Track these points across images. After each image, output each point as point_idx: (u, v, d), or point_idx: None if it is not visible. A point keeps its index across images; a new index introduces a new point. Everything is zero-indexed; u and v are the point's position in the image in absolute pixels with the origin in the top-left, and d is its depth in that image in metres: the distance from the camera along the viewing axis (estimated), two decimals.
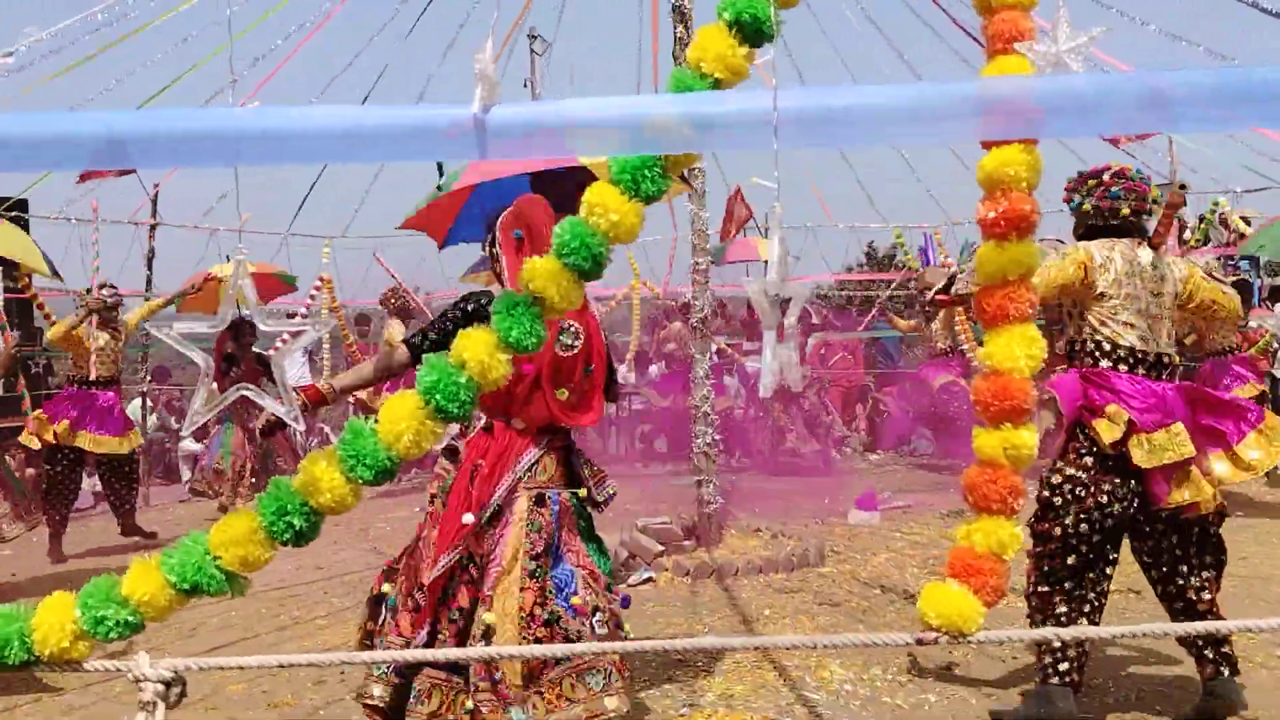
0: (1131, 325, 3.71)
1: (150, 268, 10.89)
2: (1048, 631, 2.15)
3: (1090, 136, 3.03)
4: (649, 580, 6.51)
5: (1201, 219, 12.25)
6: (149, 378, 12.70)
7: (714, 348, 11.68)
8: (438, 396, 2.02)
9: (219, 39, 9.93)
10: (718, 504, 7.02)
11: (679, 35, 6.96)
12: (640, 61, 20.88)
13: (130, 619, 2.01)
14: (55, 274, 9.18)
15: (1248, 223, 11.53)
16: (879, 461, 12.43)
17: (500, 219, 3.59)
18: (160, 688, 1.96)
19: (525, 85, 13.76)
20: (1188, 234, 12.20)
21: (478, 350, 2.02)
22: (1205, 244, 11.10)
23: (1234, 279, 9.96)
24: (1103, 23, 2.03)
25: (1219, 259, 11.28)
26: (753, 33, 2.00)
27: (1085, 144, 12.57)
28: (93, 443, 8.10)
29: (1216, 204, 12.19)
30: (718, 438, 7.40)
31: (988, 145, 2.23)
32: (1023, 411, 2.26)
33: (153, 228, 10.99)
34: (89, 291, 8.74)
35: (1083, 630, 3.13)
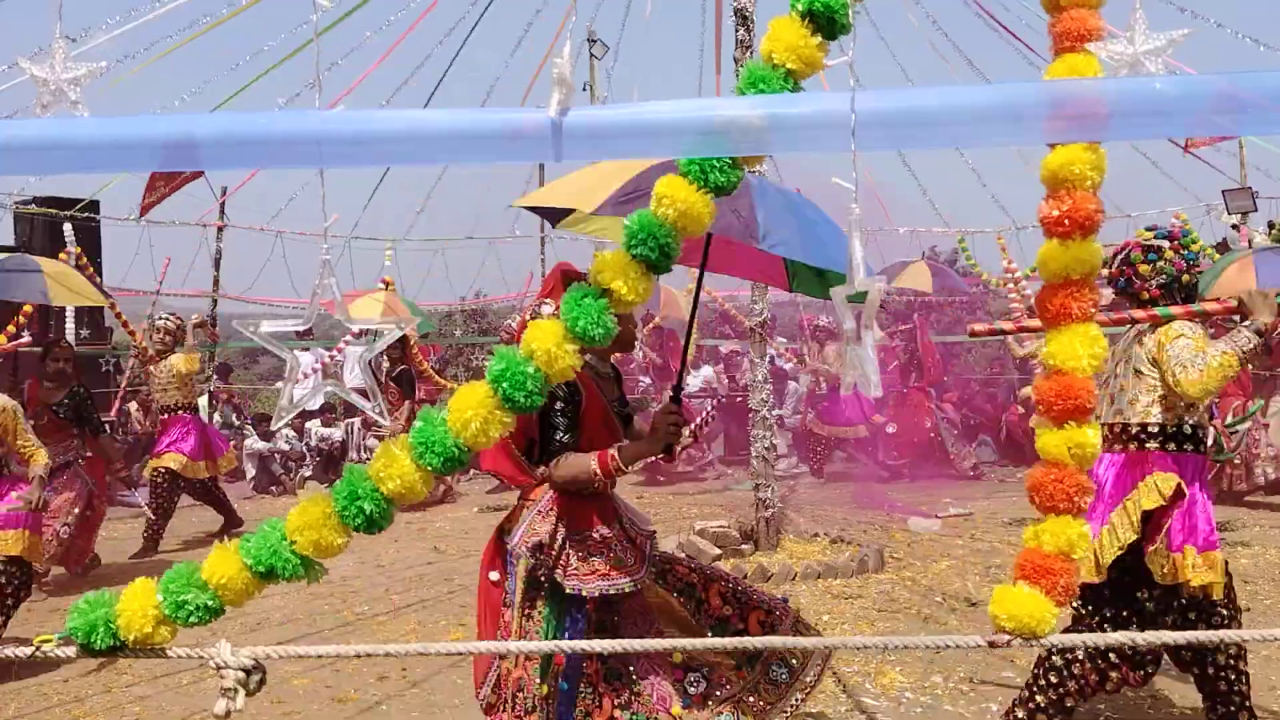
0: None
1: (218, 269, 11.13)
2: (1122, 636, 2.10)
3: (1164, 138, 2.98)
4: None
5: (1272, 225, 11.95)
6: (214, 375, 12.98)
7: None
8: (505, 385, 2.02)
9: (288, 47, 10.12)
10: (776, 508, 6.98)
11: (740, 38, 6.93)
12: (702, 65, 20.81)
13: (210, 603, 2.05)
14: (106, 296, 9.46)
15: None
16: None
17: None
18: (241, 674, 2.01)
19: (584, 89, 13.78)
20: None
21: (545, 340, 2.03)
22: None
23: None
24: (1180, 26, 1.99)
25: None
26: (826, 23, 1.98)
27: (1152, 145, 12.34)
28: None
29: None
30: (776, 442, 7.37)
31: (1053, 143, 2.21)
32: (1086, 410, 2.23)
33: (220, 229, 11.23)
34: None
35: (1160, 635, 3.04)
